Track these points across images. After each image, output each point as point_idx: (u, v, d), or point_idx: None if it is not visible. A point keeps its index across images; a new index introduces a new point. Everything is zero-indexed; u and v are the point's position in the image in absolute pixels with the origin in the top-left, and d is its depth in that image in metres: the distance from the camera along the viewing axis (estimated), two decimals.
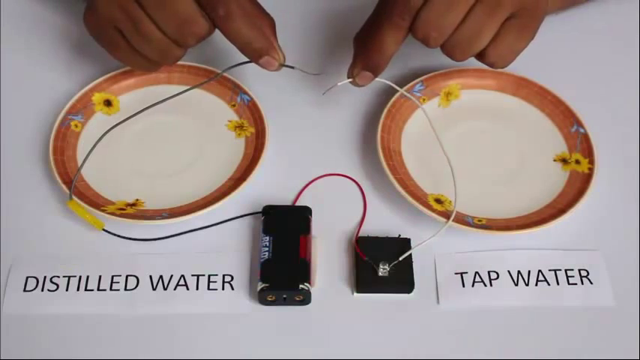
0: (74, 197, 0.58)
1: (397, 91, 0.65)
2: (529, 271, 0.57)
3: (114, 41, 0.58)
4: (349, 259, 0.58)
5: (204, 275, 0.57)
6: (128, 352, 0.53)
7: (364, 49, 0.58)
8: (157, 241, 0.58)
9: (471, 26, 0.55)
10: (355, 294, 0.56)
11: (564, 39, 0.74)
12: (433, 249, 0.58)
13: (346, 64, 0.59)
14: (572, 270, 0.57)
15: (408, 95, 0.63)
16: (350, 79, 0.59)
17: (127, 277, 0.56)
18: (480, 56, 0.57)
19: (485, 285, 0.56)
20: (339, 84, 0.59)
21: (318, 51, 0.71)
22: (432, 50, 0.57)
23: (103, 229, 0.57)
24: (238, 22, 0.56)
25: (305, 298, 0.55)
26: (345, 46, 0.60)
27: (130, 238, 0.58)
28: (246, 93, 0.65)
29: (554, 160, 0.63)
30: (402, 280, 0.56)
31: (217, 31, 0.57)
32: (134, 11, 0.55)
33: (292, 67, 0.59)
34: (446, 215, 0.58)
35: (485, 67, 0.67)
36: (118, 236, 0.58)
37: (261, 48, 0.57)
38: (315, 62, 0.70)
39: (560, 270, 0.57)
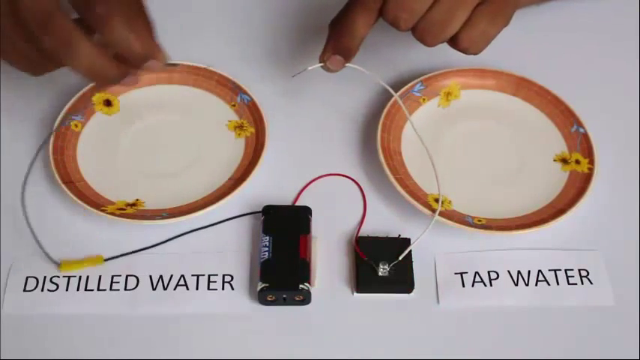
0: (61, 260, 0.56)
1: (397, 91, 0.65)
2: (529, 271, 0.57)
3: None
4: (349, 259, 0.58)
5: (204, 275, 0.57)
6: (128, 352, 0.53)
7: (336, 32, 0.58)
8: (157, 242, 0.58)
9: (442, 9, 0.54)
10: (355, 294, 0.56)
11: (564, 39, 0.74)
12: (433, 249, 0.58)
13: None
14: (572, 270, 0.57)
15: (400, 103, 0.63)
16: (321, 64, 0.58)
17: (127, 277, 0.56)
18: (453, 42, 0.56)
19: (485, 285, 0.56)
20: (309, 68, 0.59)
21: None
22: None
23: (105, 260, 0.57)
24: (120, 22, 0.50)
25: (305, 298, 0.55)
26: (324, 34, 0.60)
27: (130, 252, 0.57)
28: (246, 93, 0.65)
29: (554, 160, 0.63)
30: (402, 280, 0.56)
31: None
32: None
33: (176, 65, 0.56)
34: (446, 215, 0.58)
35: (485, 67, 0.68)
36: (120, 256, 0.57)
37: (146, 51, 0.52)
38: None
39: (560, 270, 0.57)
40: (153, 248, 0.58)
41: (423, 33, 0.55)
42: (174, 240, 0.58)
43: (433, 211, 0.58)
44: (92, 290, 0.56)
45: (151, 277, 0.56)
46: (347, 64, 0.59)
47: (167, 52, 0.53)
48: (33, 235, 0.57)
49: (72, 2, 0.50)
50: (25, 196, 0.59)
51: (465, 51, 0.56)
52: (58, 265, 0.56)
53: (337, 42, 0.57)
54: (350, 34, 0.57)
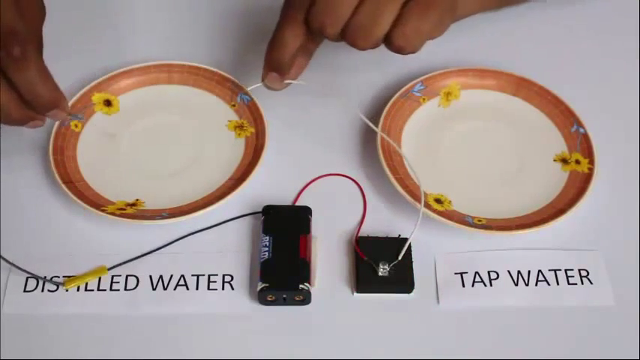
0: (65, 277, 0.56)
1: (397, 91, 0.65)
2: (529, 271, 0.57)
3: None
4: (349, 259, 0.58)
5: (204, 275, 0.57)
6: (128, 352, 0.53)
7: (268, 49, 0.58)
8: (157, 242, 0.58)
9: (367, 10, 0.53)
10: (355, 294, 0.56)
11: (564, 39, 0.74)
12: (433, 249, 0.58)
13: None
14: (572, 270, 0.57)
15: (385, 136, 0.63)
16: (261, 83, 0.59)
17: (127, 277, 0.56)
18: (386, 42, 0.55)
19: (485, 285, 0.56)
20: (249, 89, 0.60)
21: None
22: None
23: (108, 269, 0.56)
24: (33, 67, 0.50)
25: (305, 298, 0.55)
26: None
27: (133, 259, 0.57)
28: (246, 93, 0.65)
29: (554, 160, 0.63)
30: (402, 280, 0.56)
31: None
32: None
33: (78, 117, 0.59)
34: (446, 215, 0.58)
35: (485, 67, 0.68)
36: (122, 264, 0.57)
37: (54, 99, 0.53)
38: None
39: (560, 270, 0.57)
40: (152, 247, 0.58)
41: (352, 37, 0.54)
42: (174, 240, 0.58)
43: (433, 211, 0.58)
44: (92, 290, 0.56)
45: (150, 277, 0.56)
46: (292, 81, 0.60)
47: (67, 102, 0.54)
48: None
49: None
50: (25, 196, 0.59)
51: (400, 50, 0.55)
52: (63, 284, 0.56)
53: (269, 58, 0.58)
54: (279, 48, 0.57)
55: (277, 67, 0.58)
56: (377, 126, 0.63)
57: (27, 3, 0.53)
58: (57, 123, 0.63)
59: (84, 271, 0.56)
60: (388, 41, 0.54)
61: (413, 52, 0.55)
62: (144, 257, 0.57)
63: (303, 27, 0.56)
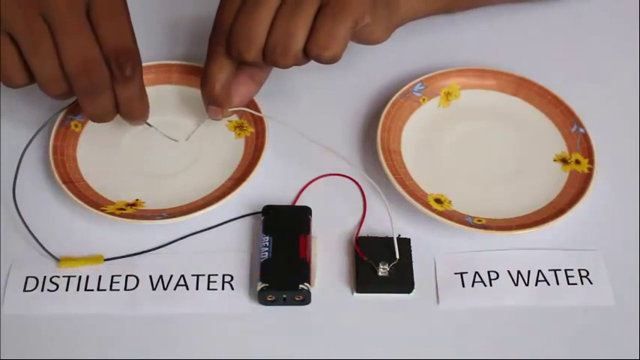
0: (61, 256, 0.57)
1: (397, 91, 0.65)
2: (529, 271, 0.57)
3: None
4: (349, 259, 0.58)
5: (204, 275, 0.57)
6: (128, 352, 0.53)
7: (200, 84, 0.60)
8: (156, 242, 0.58)
9: (280, 27, 0.54)
10: (355, 294, 0.56)
11: (564, 39, 0.74)
12: (433, 249, 0.58)
13: None
14: (572, 270, 0.57)
15: (369, 178, 0.63)
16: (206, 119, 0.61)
17: (126, 277, 0.56)
18: (306, 55, 0.55)
19: (485, 285, 0.56)
20: (202, 125, 0.63)
21: None
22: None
23: (105, 260, 0.57)
24: (137, 87, 0.56)
25: (305, 298, 0.55)
26: None
27: (130, 255, 0.57)
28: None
29: (554, 160, 0.63)
30: (402, 280, 0.56)
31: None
32: (38, 27, 0.52)
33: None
34: (446, 215, 0.58)
35: (485, 66, 0.68)
36: (120, 257, 0.57)
37: (143, 115, 0.59)
38: None
39: (560, 270, 0.57)
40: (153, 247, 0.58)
41: (271, 57, 0.55)
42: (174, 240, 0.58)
43: (433, 211, 0.58)
44: (92, 290, 0.56)
45: (151, 277, 0.56)
46: (239, 109, 0.61)
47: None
48: (31, 234, 0.57)
49: (106, 54, 0.53)
50: (25, 196, 0.59)
51: (319, 59, 0.55)
52: (58, 261, 0.56)
53: (202, 93, 0.60)
54: (207, 83, 0.59)
55: (212, 101, 0.59)
56: (377, 126, 0.63)
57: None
58: (57, 123, 0.63)
59: (84, 271, 0.56)
60: (306, 53, 0.55)
61: (334, 60, 0.55)
62: (143, 255, 0.57)
63: (226, 58, 0.57)
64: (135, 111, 0.57)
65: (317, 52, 0.55)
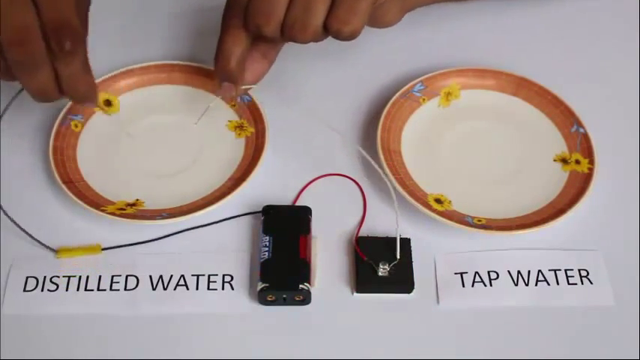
0: (59, 247, 0.57)
1: (397, 91, 0.65)
2: (529, 271, 0.57)
3: None
4: (349, 259, 0.58)
5: (204, 275, 0.57)
6: (128, 352, 0.53)
7: (214, 59, 0.58)
8: (156, 241, 0.58)
9: (300, 2, 0.53)
10: (355, 294, 0.56)
11: (564, 39, 0.74)
12: (433, 249, 0.58)
13: None
14: (572, 270, 0.57)
15: (376, 166, 0.63)
16: (219, 96, 0.60)
17: (126, 277, 0.56)
18: (325, 30, 0.55)
19: (485, 285, 0.56)
20: (211, 105, 0.61)
21: None
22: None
23: (102, 249, 0.57)
24: (79, 63, 0.52)
25: (305, 298, 0.55)
26: None
27: (128, 245, 0.57)
28: (246, 93, 0.65)
29: (554, 160, 0.63)
30: (402, 280, 0.56)
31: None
32: None
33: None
34: (446, 215, 0.58)
35: (485, 66, 0.68)
36: (118, 247, 0.57)
37: (88, 94, 0.55)
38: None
39: (560, 270, 0.57)
40: (153, 247, 0.58)
41: (290, 32, 0.54)
42: (174, 240, 0.58)
43: (433, 211, 0.58)
44: (92, 290, 0.56)
45: (151, 277, 0.56)
46: (251, 86, 0.60)
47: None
48: (28, 234, 0.57)
49: (44, 25, 0.50)
50: (25, 196, 0.59)
51: (338, 34, 0.54)
52: (56, 252, 0.56)
53: (217, 69, 0.58)
54: (223, 57, 0.57)
55: (226, 76, 0.58)
56: (377, 126, 0.63)
57: None
58: (57, 123, 0.63)
59: (84, 271, 0.56)
60: (326, 28, 0.54)
61: (353, 35, 0.55)
62: (142, 255, 0.57)
63: (242, 32, 0.56)
64: (78, 90, 0.54)
65: (337, 27, 0.54)
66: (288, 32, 0.54)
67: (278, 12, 0.54)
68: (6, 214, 0.57)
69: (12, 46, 0.50)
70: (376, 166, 0.58)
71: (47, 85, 0.53)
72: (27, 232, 0.57)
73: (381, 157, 0.61)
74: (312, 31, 0.54)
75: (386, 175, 0.59)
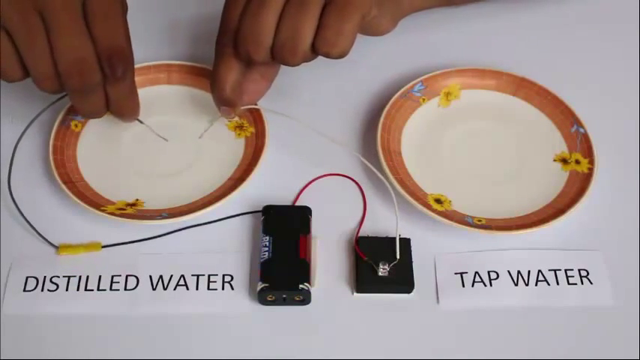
0: (60, 244, 0.57)
1: (397, 91, 0.65)
2: (529, 271, 0.57)
3: None
4: (349, 259, 0.58)
5: (204, 275, 0.57)
6: (128, 352, 0.53)
7: (210, 87, 0.60)
8: (156, 241, 0.58)
9: (287, 26, 0.54)
10: (355, 294, 0.56)
11: (564, 39, 0.74)
12: (433, 249, 0.58)
13: None
14: (572, 270, 0.57)
15: (378, 174, 0.63)
16: (219, 116, 0.62)
17: (126, 277, 0.56)
18: (314, 52, 0.55)
19: (485, 285, 0.56)
20: (215, 123, 0.63)
21: None
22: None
23: (102, 247, 0.57)
24: (128, 87, 0.56)
25: (305, 298, 0.55)
26: None
27: (128, 242, 0.57)
28: None
29: (554, 160, 0.63)
30: (402, 280, 0.56)
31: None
32: (33, 24, 0.52)
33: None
34: (446, 215, 0.58)
35: (485, 67, 0.68)
36: (118, 244, 0.57)
37: (132, 114, 0.60)
38: None
39: (560, 270, 0.57)
40: (153, 247, 0.58)
41: (280, 56, 0.55)
42: (174, 240, 0.58)
43: (433, 211, 0.58)
44: (92, 290, 0.56)
45: (150, 277, 0.56)
46: (250, 106, 0.62)
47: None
48: (29, 224, 0.57)
49: (99, 54, 0.53)
50: (25, 196, 0.59)
51: (327, 54, 0.55)
52: (57, 248, 0.57)
53: (213, 96, 0.60)
54: (218, 84, 0.59)
55: (223, 102, 0.60)
56: (377, 126, 0.63)
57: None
58: (57, 123, 0.63)
59: (84, 271, 0.56)
60: (314, 50, 0.55)
61: (342, 55, 0.55)
62: (142, 255, 0.57)
63: (234, 59, 0.57)
64: (125, 109, 0.58)
65: (325, 50, 0.54)
66: (278, 56, 0.55)
67: (266, 38, 0.55)
68: (15, 205, 0.57)
69: (70, 76, 0.53)
70: (376, 171, 0.58)
71: (98, 107, 0.57)
72: (32, 225, 0.57)
73: (381, 157, 0.61)
74: (302, 55, 0.55)
75: (386, 175, 0.60)
